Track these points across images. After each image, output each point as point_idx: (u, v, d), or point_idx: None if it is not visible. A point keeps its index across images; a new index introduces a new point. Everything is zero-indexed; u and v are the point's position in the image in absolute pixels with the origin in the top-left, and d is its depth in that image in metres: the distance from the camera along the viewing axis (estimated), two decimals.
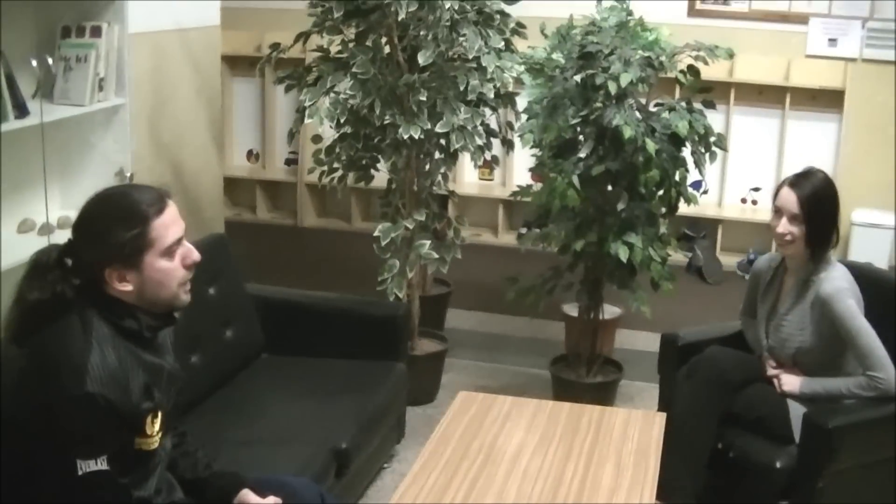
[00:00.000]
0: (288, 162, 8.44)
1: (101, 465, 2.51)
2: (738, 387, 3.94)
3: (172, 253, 2.65)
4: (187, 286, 2.72)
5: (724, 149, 4.86)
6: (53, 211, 4.39)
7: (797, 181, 3.86)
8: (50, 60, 4.35)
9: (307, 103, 4.74)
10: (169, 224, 2.65)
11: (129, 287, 2.61)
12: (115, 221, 2.59)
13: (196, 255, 2.71)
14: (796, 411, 3.81)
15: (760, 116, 7.63)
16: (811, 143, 7.47)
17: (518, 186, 5.16)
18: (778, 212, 3.88)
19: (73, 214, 4.33)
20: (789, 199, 3.84)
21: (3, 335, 2.65)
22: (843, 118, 7.40)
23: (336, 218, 8.39)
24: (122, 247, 2.57)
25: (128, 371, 2.59)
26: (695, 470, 3.90)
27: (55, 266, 2.59)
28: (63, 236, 2.75)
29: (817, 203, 3.83)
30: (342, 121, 4.80)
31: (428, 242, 4.90)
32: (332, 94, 4.78)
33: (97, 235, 2.59)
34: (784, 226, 3.84)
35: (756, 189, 7.76)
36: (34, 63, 4.25)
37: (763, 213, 7.60)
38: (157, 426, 2.69)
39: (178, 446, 2.99)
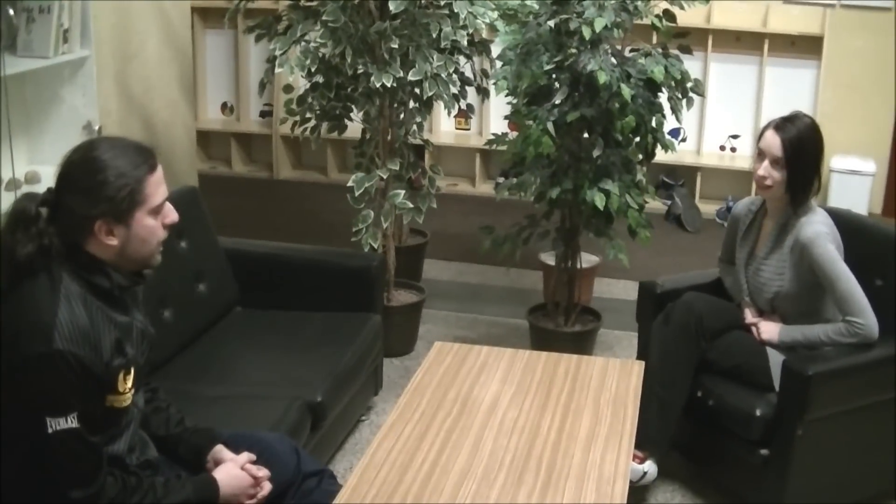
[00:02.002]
0: (262, 114, 8.34)
1: (71, 422, 2.49)
2: (716, 333, 3.93)
3: (158, 212, 2.66)
4: (161, 247, 2.73)
5: (702, 94, 4.81)
6: (20, 166, 4.31)
7: (782, 124, 3.82)
8: (11, 11, 4.25)
9: (277, 52, 4.67)
10: (159, 182, 2.67)
11: (114, 241, 2.60)
12: (113, 174, 2.57)
13: (175, 216, 2.73)
14: (775, 359, 3.79)
15: (738, 63, 7.58)
16: (790, 89, 7.43)
17: (493, 135, 5.10)
18: (760, 154, 3.84)
19: (40, 169, 4.34)
20: (773, 142, 3.79)
21: None
22: (822, 65, 7.36)
23: (312, 170, 8.31)
24: (120, 201, 2.57)
25: (98, 328, 2.57)
26: (671, 417, 3.90)
27: (37, 217, 2.57)
28: (31, 191, 2.70)
29: (800, 148, 3.78)
30: (313, 70, 4.75)
31: (402, 192, 4.85)
32: (302, 43, 4.72)
33: (94, 187, 2.57)
34: (765, 168, 3.80)
35: (735, 136, 7.73)
36: None
37: (742, 161, 7.58)
38: (129, 383, 2.67)
39: (149, 402, 2.98)
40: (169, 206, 2.71)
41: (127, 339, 2.67)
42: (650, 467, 3.91)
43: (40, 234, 2.55)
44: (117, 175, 2.57)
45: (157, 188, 2.65)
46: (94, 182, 2.57)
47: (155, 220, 2.65)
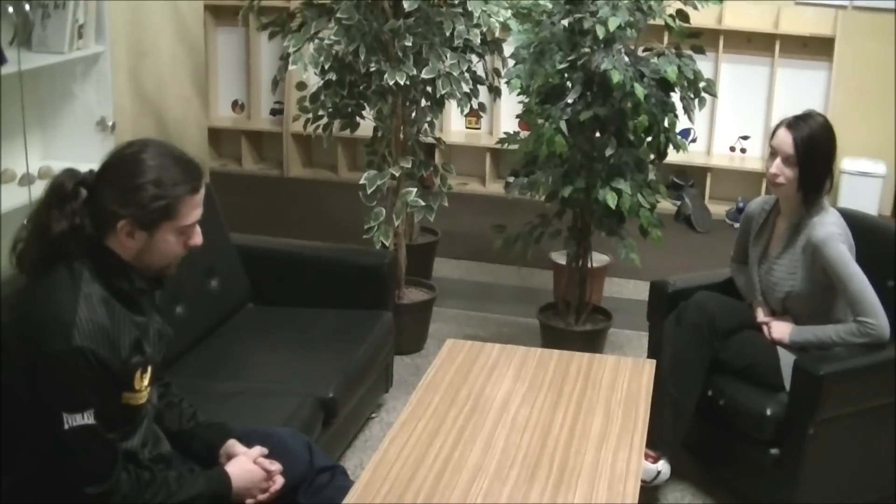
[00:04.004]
0: (273, 112, 8.35)
1: (87, 419, 2.50)
2: (727, 333, 3.93)
3: (185, 232, 2.66)
4: (178, 260, 2.73)
5: (714, 94, 4.82)
6: (34, 161, 4.32)
7: (795, 123, 3.82)
8: (27, 7, 4.26)
9: (291, 50, 4.69)
10: (196, 206, 2.67)
11: (132, 244, 2.60)
12: (153, 182, 2.57)
13: (199, 240, 2.72)
14: (786, 359, 3.79)
15: (749, 64, 7.58)
16: (801, 91, 7.42)
17: (505, 134, 5.11)
18: (773, 152, 3.84)
19: (54, 164, 4.34)
20: (785, 140, 3.79)
21: (19, 267, 2.62)
22: (833, 66, 7.35)
23: (322, 168, 8.31)
24: (151, 211, 2.57)
25: (118, 326, 2.58)
26: (683, 417, 3.89)
27: (73, 195, 2.57)
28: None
29: (812, 146, 3.78)
30: (326, 67, 4.76)
31: (414, 190, 4.86)
32: (316, 41, 4.73)
33: (130, 189, 2.57)
34: (777, 166, 3.80)
35: (745, 137, 7.71)
36: (10, 10, 4.16)
37: (752, 162, 7.58)
38: (146, 381, 2.68)
39: (162, 397, 2.99)
40: (197, 230, 2.70)
41: (145, 339, 2.68)
42: (663, 467, 3.91)
43: (74, 214, 2.55)
44: (156, 186, 2.57)
45: (192, 210, 2.65)
46: (131, 184, 2.57)
47: (177, 238, 2.65)
